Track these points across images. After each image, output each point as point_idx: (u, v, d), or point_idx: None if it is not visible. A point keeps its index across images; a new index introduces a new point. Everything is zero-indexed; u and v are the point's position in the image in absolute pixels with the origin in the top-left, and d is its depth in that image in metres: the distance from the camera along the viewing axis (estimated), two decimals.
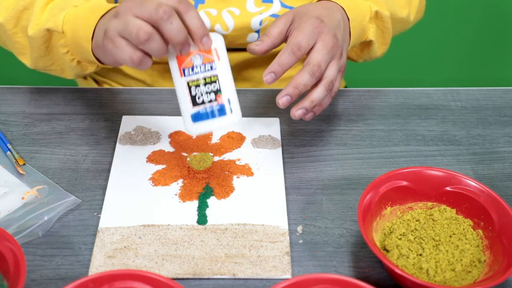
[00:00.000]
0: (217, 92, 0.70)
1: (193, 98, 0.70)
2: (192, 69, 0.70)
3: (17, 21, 0.85)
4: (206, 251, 0.71)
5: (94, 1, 0.81)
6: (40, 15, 0.82)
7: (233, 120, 0.72)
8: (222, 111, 0.71)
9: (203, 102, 0.70)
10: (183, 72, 0.70)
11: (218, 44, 0.70)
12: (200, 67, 0.70)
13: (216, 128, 0.72)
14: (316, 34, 0.75)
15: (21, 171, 0.80)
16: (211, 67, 0.70)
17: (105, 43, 0.69)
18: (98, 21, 0.75)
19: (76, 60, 0.84)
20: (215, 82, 0.70)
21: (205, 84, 0.71)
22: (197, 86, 0.70)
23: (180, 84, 0.70)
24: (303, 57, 0.76)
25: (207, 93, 0.70)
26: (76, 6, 0.81)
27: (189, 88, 0.70)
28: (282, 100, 0.74)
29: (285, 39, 0.78)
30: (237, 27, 0.94)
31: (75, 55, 0.83)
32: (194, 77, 0.70)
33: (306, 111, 0.76)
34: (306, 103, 0.76)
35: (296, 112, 0.76)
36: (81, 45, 0.78)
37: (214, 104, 0.71)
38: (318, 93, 0.76)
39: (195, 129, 0.71)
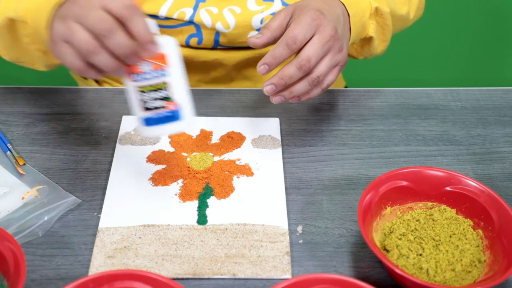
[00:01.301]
0: (167, 98, 0.70)
1: (144, 103, 0.70)
2: (142, 75, 0.69)
3: None
4: (206, 251, 0.71)
5: None
6: (1, 3, 0.80)
7: (183, 126, 0.72)
8: (172, 117, 0.71)
9: (154, 108, 0.70)
10: (132, 78, 0.69)
11: (169, 49, 0.69)
12: (150, 73, 0.69)
13: (168, 132, 0.72)
14: (314, 27, 0.74)
15: (21, 171, 0.80)
16: (162, 74, 0.69)
17: (50, 45, 0.67)
18: (56, 8, 0.71)
19: (41, 50, 0.81)
20: (164, 88, 0.70)
21: (155, 90, 0.70)
22: (147, 91, 0.70)
23: (130, 89, 0.70)
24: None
25: (156, 99, 0.70)
26: None
27: (140, 93, 0.70)
28: (266, 88, 0.75)
29: (284, 33, 0.77)
30: (238, 25, 0.94)
31: (38, 44, 0.80)
32: (144, 83, 0.69)
33: (285, 97, 0.77)
34: (286, 92, 0.76)
35: (274, 98, 0.77)
36: (41, 33, 0.74)
37: (164, 110, 0.70)
38: (299, 87, 0.76)
39: (147, 133, 0.71)
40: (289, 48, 0.73)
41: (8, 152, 0.83)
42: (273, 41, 0.77)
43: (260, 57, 1.00)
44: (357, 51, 0.97)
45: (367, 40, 0.92)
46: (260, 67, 0.74)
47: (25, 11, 0.77)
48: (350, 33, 0.83)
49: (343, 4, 0.82)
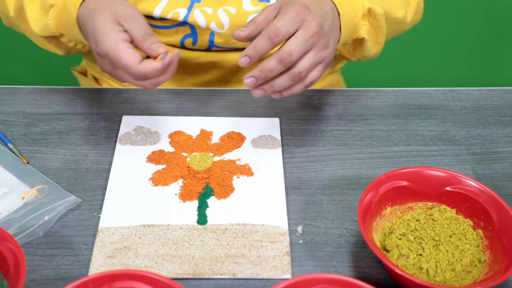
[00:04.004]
0: None
1: None
2: None
3: (21, 20, 0.90)
4: (206, 251, 0.71)
5: None
6: (30, 10, 0.87)
7: None
8: None
9: None
10: None
11: None
12: None
13: None
14: (298, 21, 0.73)
15: (24, 160, 0.81)
16: None
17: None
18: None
19: (88, 47, 0.90)
20: None
21: None
22: None
23: None
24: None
25: None
26: (53, 5, 0.85)
27: None
28: (247, 81, 0.74)
29: None
30: (232, 25, 0.94)
31: (82, 43, 0.87)
32: None
33: (265, 91, 0.76)
34: (266, 86, 0.76)
35: (255, 91, 0.76)
36: (82, 41, 0.84)
37: None
38: (280, 81, 0.75)
39: None
40: (271, 41, 0.72)
41: (10, 144, 0.84)
42: (258, 35, 0.75)
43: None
44: (350, 53, 0.96)
45: (360, 41, 0.91)
46: (242, 59, 0.73)
47: (57, 28, 0.86)
48: (340, 33, 0.82)
49: (334, 3, 0.80)
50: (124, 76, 0.75)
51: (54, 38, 0.89)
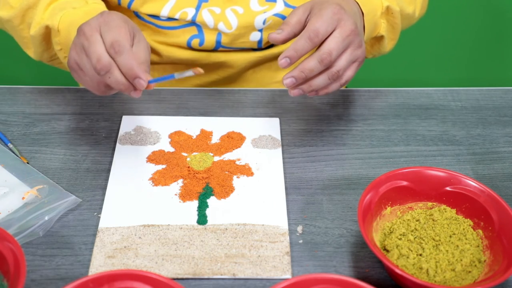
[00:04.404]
0: None
1: None
2: None
3: (22, 19, 0.88)
4: (206, 251, 0.71)
5: (91, 6, 0.84)
6: (42, 14, 0.85)
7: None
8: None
9: None
10: None
11: None
12: None
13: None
14: (335, 21, 0.74)
15: (24, 160, 0.81)
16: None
17: (70, 71, 0.77)
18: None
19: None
20: None
21: None
22: None
23: None
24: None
25: None
26: (75, 8, 0.83)
27: None
28: (286, 81, 0.75)
29: (303, 28, 0.77)
30: (240, 26, 0.94)
31: (66, 53, 0.86)
32: None
33: (303, 91, 0.77)
34: (305, 86, 0.76)
35: (293, 91, 0.77)
36: (70, 46, 0.80)
37: None
38: (319, 80, 0.76)
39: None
40: (311, 41, 0.73)
41: (10, 144, 0.84)
42: (293, 37, 0.77)
43: (260, 60, 1.01)
44: (367, 50, 0.97)
45: (378, 39, 0.93)
46: (281, 60, 0.74)
47: (60, 22, 0.83)
48: (364, 32, 0.84)
49: (357, 3, 0.83)
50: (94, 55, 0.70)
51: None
